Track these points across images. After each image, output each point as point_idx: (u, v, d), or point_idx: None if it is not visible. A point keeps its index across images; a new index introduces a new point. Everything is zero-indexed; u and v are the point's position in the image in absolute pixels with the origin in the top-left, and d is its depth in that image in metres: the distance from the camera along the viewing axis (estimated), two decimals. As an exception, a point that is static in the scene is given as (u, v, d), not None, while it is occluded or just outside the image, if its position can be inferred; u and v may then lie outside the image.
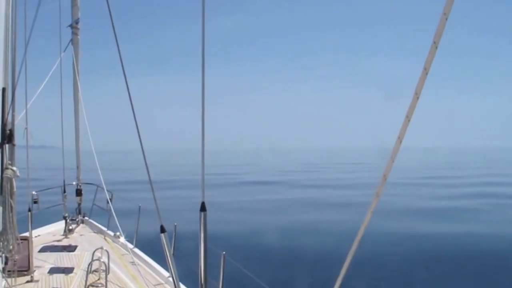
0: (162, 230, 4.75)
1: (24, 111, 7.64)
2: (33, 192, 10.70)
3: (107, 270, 8.19)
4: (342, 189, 45.02)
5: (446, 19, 2.41)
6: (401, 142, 2.83)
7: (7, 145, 5.26)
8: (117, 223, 10.23)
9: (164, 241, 4.75)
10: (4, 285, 5.66)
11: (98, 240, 11.85)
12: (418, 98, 2.68)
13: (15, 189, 5.22)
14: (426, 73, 2.60)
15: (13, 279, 6.82)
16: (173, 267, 4.91)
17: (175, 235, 9.41)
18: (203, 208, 4.34)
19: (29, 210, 9.16)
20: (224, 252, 6.67)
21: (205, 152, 4.22)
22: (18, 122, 6.04)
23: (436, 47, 2.51)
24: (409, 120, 2.74)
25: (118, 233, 11.92)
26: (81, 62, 13.51)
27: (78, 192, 14.38)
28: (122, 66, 5.13)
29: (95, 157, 11.45)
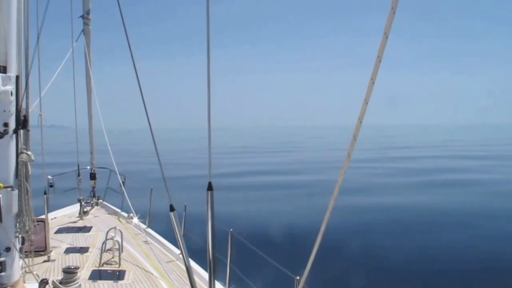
0: (172, 209, 4.73)
1: (39, 98, 7.62)
2: (49, 177, 10.73)
3: (120, 249, 8.22)
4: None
5: (394, 13, 2.57)
6: (361, 122, 2.98)
7: (21, 131, 5.26)
8: (130, 204, 10.25)
9: (174, 219, 4.73)
10: (22, 265, 5.69)
11: (112, 221, 11.90)
12: (373, 83, 2.84)
13: (30, 173, 5.22)
14: (380, 61, 2.73)
15: (30, 259, 6.86)
16: (182, 244, 4.90)
17: (185, 214, 9.43)
18: (210, 187, 4.33)
19: (45, 193, 9.18)
20: (231, 229, 6.66)
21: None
22: (33, 109, 6.03)
23: (387, 37, 2.66)
24: (367, 103, 2.91)
25: (131, 214, 11.98)
26: (95, 46, 13.50)
27: (92, 176, 14.45)
28: (130, 49, 5.07)
29: (107, 141, 11.45)
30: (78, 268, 6.38)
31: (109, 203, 14.13)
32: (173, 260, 8.63)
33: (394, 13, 2.56)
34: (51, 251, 8.65)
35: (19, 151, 5.18)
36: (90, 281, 7.22)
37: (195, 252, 6.16)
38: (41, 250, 8.31)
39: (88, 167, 14.53)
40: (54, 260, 8.37)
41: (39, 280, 5.86)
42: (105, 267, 7.90)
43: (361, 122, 2.97)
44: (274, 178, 35.81)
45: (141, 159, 47.71)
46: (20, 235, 5.27)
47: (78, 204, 12.94)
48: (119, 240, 8.40)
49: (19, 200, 5.11)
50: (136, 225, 11.27)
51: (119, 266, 7.90)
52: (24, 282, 5.68)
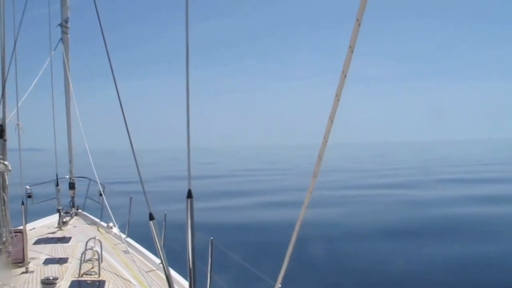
0: (151, 217, 4.68)
1: (16, 108, 7.51)
2: (27, 187, 10.55)
3: (100, 259, 8.11)
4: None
5: (359, 25, 2.48)
6: (326, 141, 2.89)
7: None
8: (110, 214, 10.14)
9: (153, 228, 4.68)
10: None
11: (91, 231, 11.73)
12: (338, 100, 2.75)
13: (7, 183, 5.13)
14: (345, 76, 2.64)
15: (8, 270, 6.72)
16: (162, 253, 4.85)
17: (165, 223, 9.34)
18: (189, 195, 4.31)
19: (23, 203, 9.02)
20: (212, 238, 6.63)
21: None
22: (10, 120, 5.93)
23: (352, 51, 2.57)
24: (332, 121, 2.81)
25: (111, 224, 11.83)
26: (77, 67, 13.48)
27: (71, 186, 14.23)
28: (112, 71, 5.03)
29: (88, 152, 11.33)
30: (57, 279, 6.28)
31: (88, 213, 13.94)
32: (153, 270, 8.53)
33: (359, 25, 2.47)
34: (29, 262, 8.46)
35: None
36: None
37: (175, 261, 6.10)
38: (19, 261, 8.14)
39: (67, 177, 14.32)
40: (32, 272, 8.20)
41: None
42: (84, 278, 7.77)
43: (326, 141, 2.88)
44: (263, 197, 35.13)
45: (120, 175, 47.06)
46: None
47: (57, 215, 12.73)
48: (99, 250, 8.29)
49: None
50: (115, 235, 11.14)
51: (99, 276, 7.78)
52: None
